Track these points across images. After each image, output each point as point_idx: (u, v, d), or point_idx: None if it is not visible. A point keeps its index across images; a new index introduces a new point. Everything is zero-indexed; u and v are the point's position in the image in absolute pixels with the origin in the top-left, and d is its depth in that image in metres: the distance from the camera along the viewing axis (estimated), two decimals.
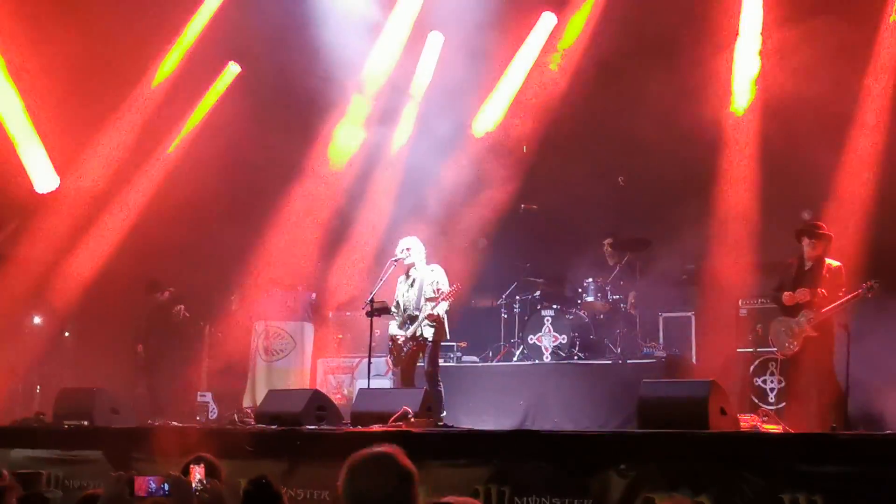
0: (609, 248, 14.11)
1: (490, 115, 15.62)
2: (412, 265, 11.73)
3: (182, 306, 14.47)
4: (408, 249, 11.71)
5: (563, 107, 14.92)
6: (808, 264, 10.92)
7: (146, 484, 4.91)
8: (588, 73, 14.72)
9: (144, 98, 15.59)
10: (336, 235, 15.63)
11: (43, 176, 14.97)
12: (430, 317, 11.39)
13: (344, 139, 15.86)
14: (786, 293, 10.85)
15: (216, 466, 5.53)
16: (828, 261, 10.90)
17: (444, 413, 11.30)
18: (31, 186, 15.02)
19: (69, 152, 15.14)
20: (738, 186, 13.43)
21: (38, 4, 14.06)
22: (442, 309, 11.45)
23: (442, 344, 12.09)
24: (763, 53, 13.51)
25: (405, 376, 11.73)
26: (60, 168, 15.14)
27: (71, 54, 14.08)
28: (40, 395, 14.78)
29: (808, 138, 12.62)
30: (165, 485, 4.91)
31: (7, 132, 14.70)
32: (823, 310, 10.53)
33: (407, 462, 4.17)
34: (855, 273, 11.02)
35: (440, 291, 11.42)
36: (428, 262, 11.84)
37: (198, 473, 4.96)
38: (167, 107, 15.79)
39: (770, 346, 11.87)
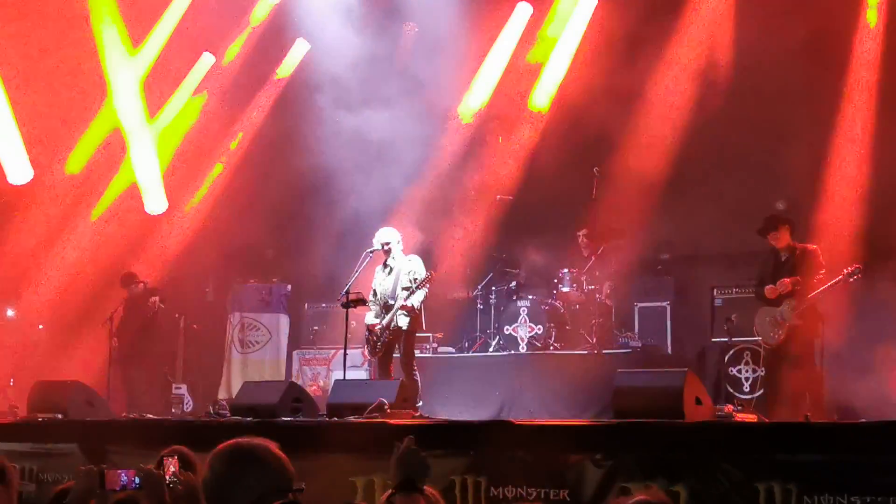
0: (584, 239, 14.10)
1: (473, 101, 15.57)
2: (389, 254, 11.72)
3: (157, 298, 14.41)
4: (386, 243, 11.70)
5: (538, 97, 14.96)
6: (784, 255, 10.94)
7: (117, 477, 4.88)
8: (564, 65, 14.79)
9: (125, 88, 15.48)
10: (314, 225, 15.58)
11: (17, 167, 14.84)
12: (405, 308, 11.39)
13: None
14: (767, 287, 10.85)
15: (191, 459, 5.50)
16: (802, 246, 10.93)
17: (421, 403, 11.30)
18: (4, 178, 14.89)
19: (45, 143, 15.02)
20: (714, 175, 13.44)
21: None
22: (418, 299, 11.45)
23: (418, 334, 12.09)
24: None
25: (381, 366, 11.74)
26: (35, 159, 15.02)
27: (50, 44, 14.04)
28: (14, 387, 14.67)
29: (788, 122, 12.71)
30: (137, 478, 4.88)
31: None
32: (809, 296, 10.53)
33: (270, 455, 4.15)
34: (838, 256, 11.06)
35: (416, 281, 11.43)
36: (405, 253, 11.85)
37: (172, 466, 4.93)
38: (148, 94, 15.70)
39: (745, 336, 11.95)
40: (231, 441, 4.17)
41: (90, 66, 14.77)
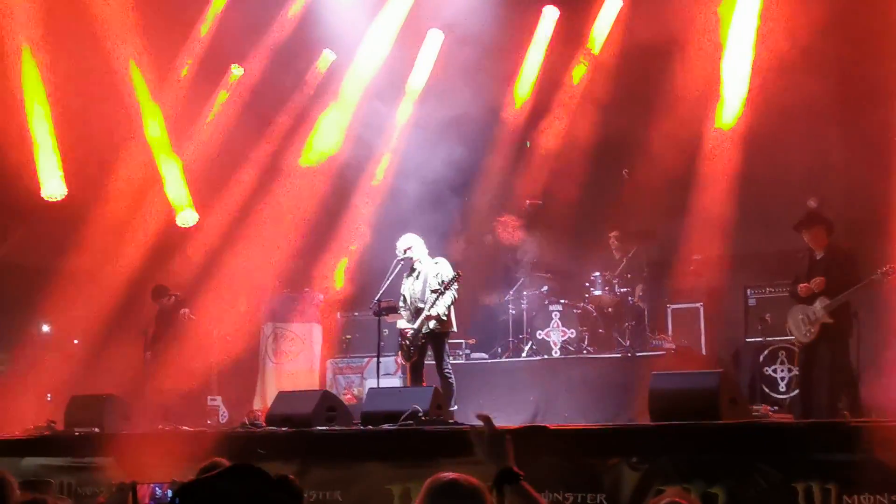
0: (615, 242, 14.08)
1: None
2: (417, 260, 11.73)
3: (187, 310, 14.46)
4: (409, 249, 11.73)
5: (567, 102, 14.96)
6: (819, 254, 10.87)
7: (151, 491, 4.90)
8: (593, 72, 14.80)
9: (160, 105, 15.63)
10: (344, 234, 15.62)
11: (52, 183, 14.94)
12: (430, 316, 11.40)
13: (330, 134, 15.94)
14: (801, 285, 10.80)
15: None
16: (837, 245, 10.87)
17: (455, 407, 11.28)
18: (39, 193, 14.99)
19: (80, 159, 15.12)
20: (746, 173, 13.35)
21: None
22: (444, 304, 11.44)
23: (450, 341, 12.09)
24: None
25: (414, 371, 11.75)
26: (69, 175, 15.12)
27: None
28: (51, 402, 14.77)
29: (817, 123, 12.61)
30: (170, 491, 4.89)
31: (31, 132, 14.70)
32: (840, 295, 10.47)
33: (473, 481, 4.09)
34: (871, 254, 10.98)
35: (444, 283, 11.44)
36: (432, 256, 11.86)
37: None
38: (179, 114, 15.83)
39: (779, 336, 11.88)
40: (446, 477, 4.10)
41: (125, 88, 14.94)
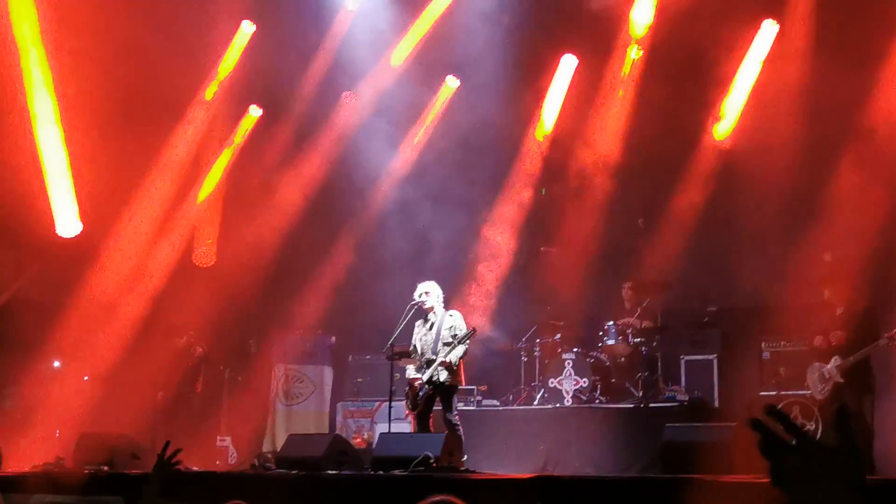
0: (629, 292, 14.04)
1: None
2: (431, 309, 11.70)
3: (200, 348, 14.45)
4: (426, 294, 11.69)
5: (582, 148, 15.00)
6: (839, 309, 10.88)
7: None
8: (604, 118, 14.87)
9: (175, 149, 15.67)
10: (355, 278, 15.63)
11: (66, 219, 14.98)
12: (444, 363, 11.35)
13: None
14: (817, 336, 10.80)
15: None
16: (856, 302, 10.88)
17: (465, 457, 11.22)
18: (53, 230, 15.03)
19: (94, 197, 15.15)
20: (762, 226, 13.34)
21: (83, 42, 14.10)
22: (457, 355, 11.39)
23: (460, 388, 12.03)
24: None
25: (420, 421, 11.67)
26: (85, 212, 15.15)
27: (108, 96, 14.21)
28: (60, 439, 14.74)
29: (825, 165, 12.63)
30: None
31: (43, 170, 14.72)
32: (850, 357, 10.49)
33: None
34: (889, 310, 10.97)
35: (456, 337, 11.40)
36: (447, 308, 11.83)
37: None
38: (195, 158, 15.92)
39: (794, 390, 11.85)
40: (429, 499, 4.05)
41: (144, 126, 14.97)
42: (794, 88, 13.14)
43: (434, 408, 11.66)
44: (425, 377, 11.47)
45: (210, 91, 15.79)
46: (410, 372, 11.77)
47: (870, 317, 10.72)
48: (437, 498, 3.92)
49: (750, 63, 14.00)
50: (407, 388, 11.80)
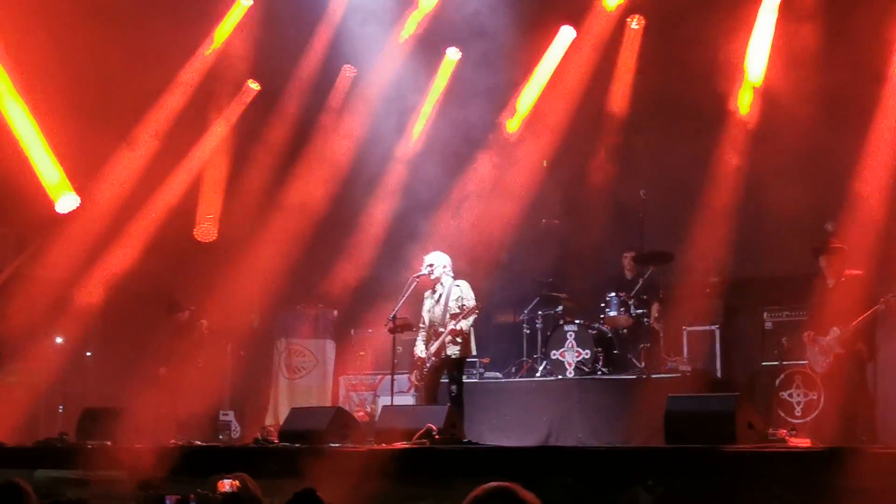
0: (630, 262, 14.03)
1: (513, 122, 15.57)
2: (438, 280, 11.66)
3: (205, 321, 14.43)
4: (430, 266, 11.66)
5: (583, 120, 14.92)
6: (831, 282, 10.87)
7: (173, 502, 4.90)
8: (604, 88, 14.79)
9: (164, 112, 15.53)
10: (358, 250, 15.58)
11: (63, 195, 14.92)
12: (453, 332, 11.32)
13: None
14: (807, 333, 10.89)
15: (253, 486, 5.48)
16: (849, 273, 10.85)
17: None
18: (52, 206, 14.98)
19: (87, 171, 15.08)
20: (763, 195, 13.29)
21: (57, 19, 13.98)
22: (466, 324, 11.38)
23: (467, 359, 12.02)
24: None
25: (427, 392, 11.67)
26: (79, 187, 15.09)
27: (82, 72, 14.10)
28: (63, 414, 14.77)
29: (829, 137, 12.55)
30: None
31: (27, 153, 14.65)
32: (849, 327, 10.49)
33: (527, 495, 3.98)
34: (881, 278, 10.94)
35: (464, 308, 11.37)
36: (455, 277, 11.79)
37: (228, 486, 4.92)
38: (187, 122, 15.77)
39: (796, 360, 11.86)
40: (490, 485, 3.97)
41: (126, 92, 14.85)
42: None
43: (441, 380, 11.67)
44: (433, 349, 11.46)
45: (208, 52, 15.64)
46: (419, 344, 11.72)
47: (858, 286, 10.70)
48: (494, 485, 3.85)
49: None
50: (416, 361, 11.76)
